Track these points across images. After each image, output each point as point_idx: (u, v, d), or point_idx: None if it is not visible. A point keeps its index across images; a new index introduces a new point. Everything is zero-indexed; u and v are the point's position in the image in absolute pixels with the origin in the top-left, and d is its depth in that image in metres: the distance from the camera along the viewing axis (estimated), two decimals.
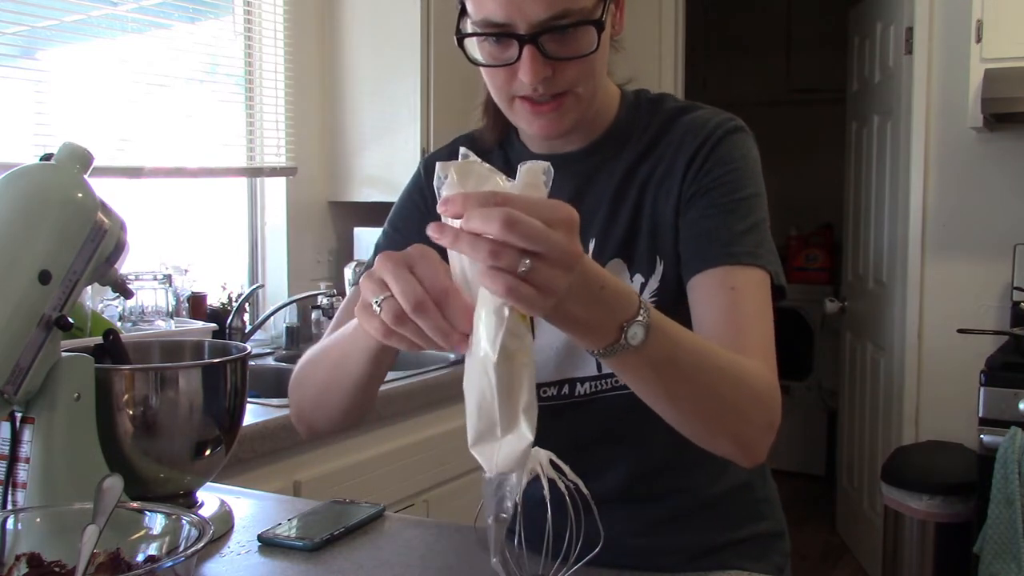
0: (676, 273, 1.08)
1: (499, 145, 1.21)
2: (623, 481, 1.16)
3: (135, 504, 0.91)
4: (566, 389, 1.14)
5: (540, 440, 1.17)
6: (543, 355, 1.13)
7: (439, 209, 0.73)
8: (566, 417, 1.13)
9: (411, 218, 1.21)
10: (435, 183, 0.76)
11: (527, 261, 0.70)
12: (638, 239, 1.11)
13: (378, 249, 1.22)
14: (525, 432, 0.77)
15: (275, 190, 2.99)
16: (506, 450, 0.77)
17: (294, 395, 1.15)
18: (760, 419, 0.95)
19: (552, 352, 1.13)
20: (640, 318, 0.81)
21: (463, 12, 1.01)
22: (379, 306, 0.77)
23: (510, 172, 0.77)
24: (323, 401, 1.09)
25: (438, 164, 0.76)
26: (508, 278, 0.70)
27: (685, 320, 0.95)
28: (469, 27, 1.01)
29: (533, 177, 0.75)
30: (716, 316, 1.01)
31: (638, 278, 1.10)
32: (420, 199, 1.22)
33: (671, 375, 0.87)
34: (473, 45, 1.03)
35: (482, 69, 1.05)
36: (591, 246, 1.12)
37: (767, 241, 1.06)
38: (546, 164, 0.76)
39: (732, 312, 1.00)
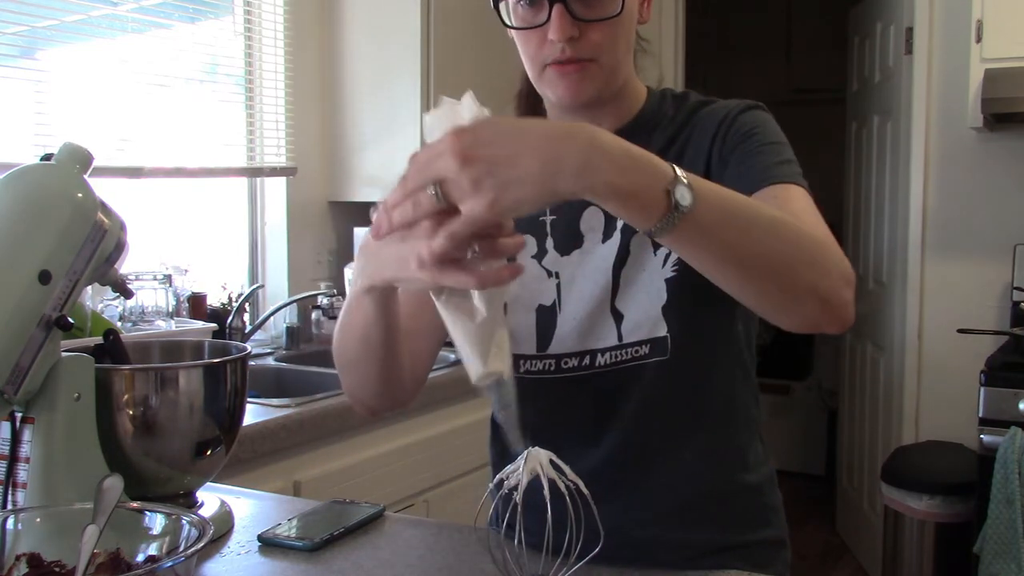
0: None
1: None
2: (637, 459, 1.16)
3: (135, 504, 0.91)
4: (587, 360, 1.16)
5: (559, 412, 1.20)
6: (565, 327, 1.16)
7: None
8: (586, 388, 1.16)
9: None
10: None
11: (435, 189, 0.77)
12: None
13: None
14: (503, 324, 0.86)
15: (275, 190, 2.99)
16: (505, 347, 0.85)
17: (343, 381, 1.16)
18: (835, 269, 0.92)
19: (574, 323, 1.16)
20: (681, 178, 0.81)
21: None
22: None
23: None
24: (362, 377, 1.12)
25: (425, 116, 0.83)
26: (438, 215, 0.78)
27: (711, 290, 0.93)
28: None
29: (477, 108, 0.82)
30: None
31: (662, 251, 1.13)
32: None
33: (730, 234, 0.85)
34: (507, 12, 1.11)
35: (516, 38, 1.12)
36: (619, 224, 1.14)
37: (802, 176, 1.08)
38: (470, 92, 0.83)
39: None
